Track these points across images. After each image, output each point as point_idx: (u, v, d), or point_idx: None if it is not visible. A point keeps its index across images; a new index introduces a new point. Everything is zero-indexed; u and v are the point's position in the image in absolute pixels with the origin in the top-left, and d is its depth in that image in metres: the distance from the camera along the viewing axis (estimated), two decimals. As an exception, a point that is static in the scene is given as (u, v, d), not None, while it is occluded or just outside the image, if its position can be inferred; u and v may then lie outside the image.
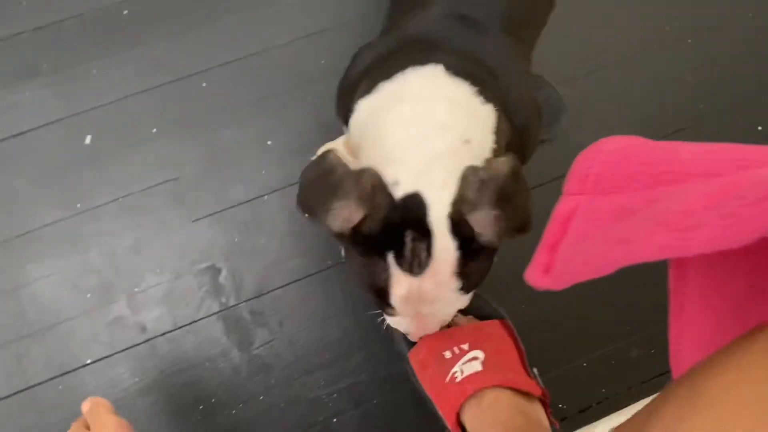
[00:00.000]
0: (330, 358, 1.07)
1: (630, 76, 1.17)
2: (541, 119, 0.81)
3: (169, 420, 1.04)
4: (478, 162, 0.62)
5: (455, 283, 0.62)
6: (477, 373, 0.75)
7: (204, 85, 1.10)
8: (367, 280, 0.64)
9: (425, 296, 0.63)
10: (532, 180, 1.11)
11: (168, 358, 1.05)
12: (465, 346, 0.78)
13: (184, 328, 1.05)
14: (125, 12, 1.12)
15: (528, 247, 1.07)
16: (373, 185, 0.60)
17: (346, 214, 0.59)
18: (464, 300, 0.67)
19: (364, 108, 0.71)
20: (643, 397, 1.12)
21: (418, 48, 0.71)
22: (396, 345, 0.90)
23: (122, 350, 1.04)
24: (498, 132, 0.68)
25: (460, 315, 0.87)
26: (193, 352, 1.05)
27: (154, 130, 1.08)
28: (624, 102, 1.17)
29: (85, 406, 0.86)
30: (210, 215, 1.08)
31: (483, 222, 0.58)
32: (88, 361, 1.04)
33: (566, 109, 1.12)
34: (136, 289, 1.05)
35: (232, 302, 1.07)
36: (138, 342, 1.05)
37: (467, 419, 0.75)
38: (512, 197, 0.59)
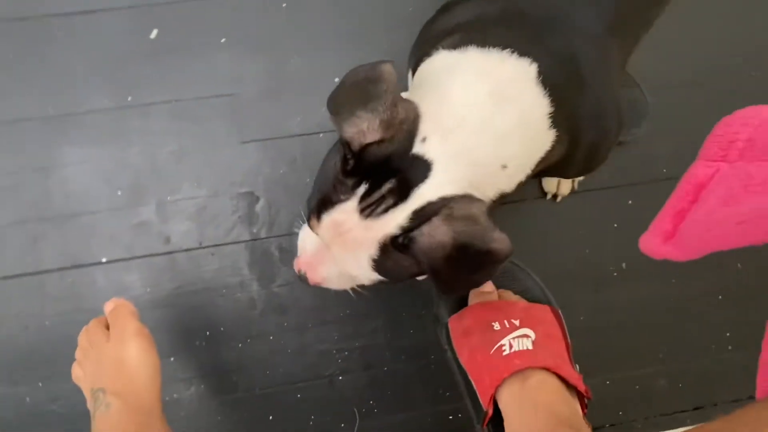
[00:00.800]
0: (349, 314, 1.03)
1: (730, 89, 1.10)
2: (620, 131, 0.76)
3: (172, 339, 1.00)
4: (502, 182, 0.63)
5: (373, 250, 0.62)
6: (527, 350, 0.70)
7: (284, 5, 1.05)
8: (324, 185, 0.63)
9: (347, 238, 0.62)
10: (590, 184, 1.07)
11: (185, 276, 1.00)
12: (516, 322, 0.73)
13: (208, 248, 1.00)
14: None
15: (556, 253, 1.02)
16: (403, 120, 0.59)
17: (364, 128, 0.58)
18: (365, 276, 0.66)
19: (444, 58, 0.67)
20: (658, 430, 1.07)
21: (526, 29, 0.66)
22: (436, 307, 0.85)
23: (141, 257, 1.00)
24: (545, 159, 0.67)
25: (510, 292, 0.82)
26: (212, 275, 1.01)
27: (223, 40, 1.03)
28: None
29: (108, 306, 0.82)
30: (260, 140, 1.03)
31: (433, 231, 0.58)
32: (104, 260, 0.99)
33: (649, 114, 1.06)
34: (169, 198, 1.01)
35: (263, 234, 1.02)
36: (159, 252, 1.00)
37: (505, 396, 0.70)
38: (470, 260, 0.58)
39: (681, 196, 0.47)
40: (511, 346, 0.70)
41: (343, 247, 0.64)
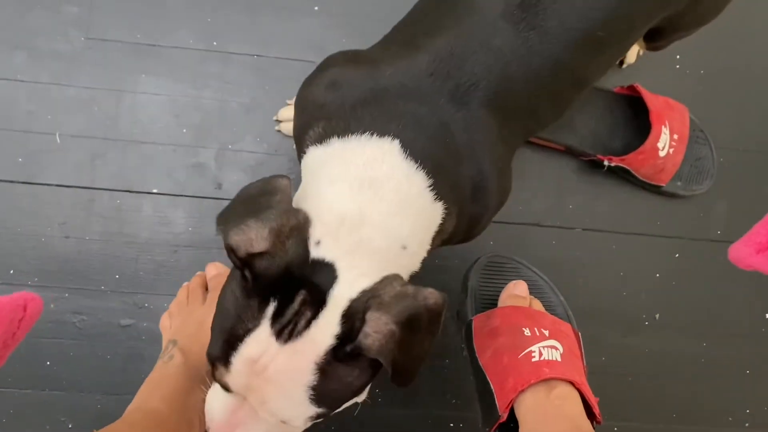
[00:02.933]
0: (375, 300, 1.03)
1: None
2: (500, 205, 0.73)
3: (201, 282, 1.01)
4: (407, 262, 0.60)
5: (309, 377, 0.54)
6: (556, 361, 0.70)
7: (382, -11, 1.07)
8: (225, 320, 0.56)
9: (269, 375, 0.54)
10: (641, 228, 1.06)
11: (227, 224, 1.02)
12: (546, 332, 0.73)
13: (256, 203, 1.02)
14: None
15: (591, 288, 1.00)
16: (294, 228, 0.55)
17: (252, 236, 0.53)
18: (303, 415, 0.57)
19: (313, 156, 0.65)
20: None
21: (386, 104, 0.63)
22: (460, 303, 0.85)
23: (190, 196, 1.02)
24: (440, 233, 0.65)
25: (539, 303, 0.82)
26: (254, 229, 1.02)
27: (317, 8, 1.05)
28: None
29: (211, 270, 0.85)
30: (329, 111, 1.04)
31: (377, 326, 0.52)
32: (155, 191, 1.01)
33: (714, 174, 1.05)
34: (230, 146, 1.02)
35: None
36: (209, 195, 1.02)
37: (527, 402, 0.70)
38: (418, 331, 0.53)
39: None
40: (540, 354, 0.70)
41: (265, 390, 0.55)
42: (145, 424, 0.61)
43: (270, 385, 0.54)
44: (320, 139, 0.64)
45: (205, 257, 1.00)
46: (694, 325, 1.07)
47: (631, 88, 1.02)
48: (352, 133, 0.61)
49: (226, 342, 0.55)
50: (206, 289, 0.84)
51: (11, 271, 0.99)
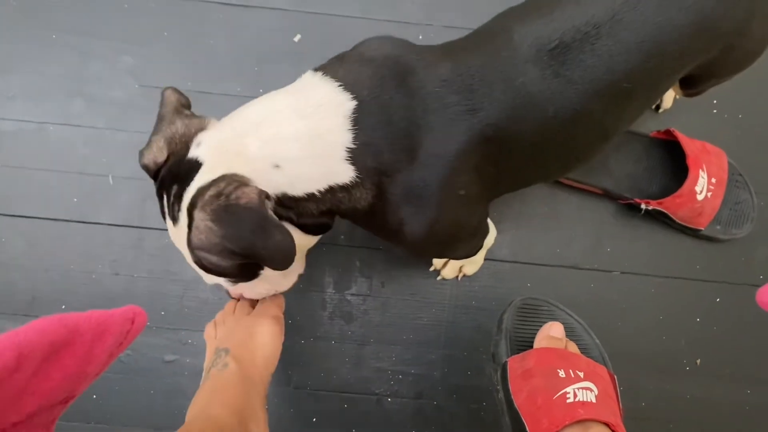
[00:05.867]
0: (411, 340, 1.04)
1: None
2: (432, 235, 0.73)
3: (242, 320, 1.04)
4: (277, 181, 0.64)
5: (188, 254, 0.65)
6: (591, 403, 0.69)
7: (420, 37, 1.10)
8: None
9: (179, 246, 0.67)
10: (681, 272, 1.06)
11: (268, 263, 1.04)
12: (581, 374, 0.73)
13: (296, 243, 1.05)
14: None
15: (630, 332, 0.98)
16: (184, 134, 0.66)
17: (154, 150, 0.66)
18: (209, 281, 0.71)
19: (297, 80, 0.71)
20: None
21: (382, 76, 0.67)
22: (494, 346, 0.86)
23: (233, 236, 1.05)
24: (337, 195, 0.67)
25: (575, 345, 0.82)
26: (294, 269, 1.04)
27: (358, 56, 1.09)
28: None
29: None
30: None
31: (198, 223, 0.60)
32: (200, 230, 1.05)
33: (755, 218, 1.04)
34: (272, 187, 1.06)
35: (347, 242, 1.05)
36: (251, 235, 1.05)
37: (561, 444, 0.69)
38: (241, 226, 0.59)
39: None
40: (575, 395, 0.70)
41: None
42: (208, 430, 0.64)
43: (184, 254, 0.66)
44: (314, 70, 0.69)
45: (247, 295, 1.03)
46: (737, 371, 1.05)
47: (668, 132, 1.02)
48: (328, 76, 0.66)
49: None
50: (252, 306, 0.86)
51: (63, 307, 1.03)
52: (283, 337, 0.83)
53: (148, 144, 0.67)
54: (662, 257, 1.07)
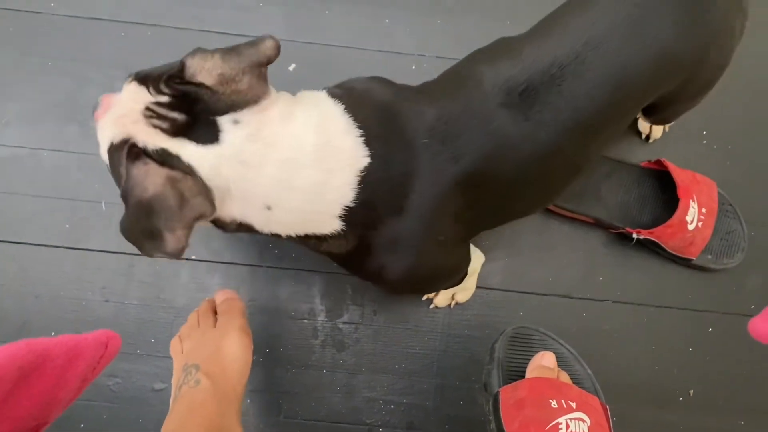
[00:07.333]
0: (404, 369, 1.03)
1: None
2: (409, 283, 0.77)
3: (232, 347, 1.03)
4: (255, 213, 0.65)
5: (119, 138, 0.63)
6: (583, 434, 0.69)
7: (413, 67, 1.12)
8: (156, 69, 0.66)
9: (116, 113, 0.65)
10: (674, 301, 1.06)
11: (262, 291, 1.04)
12: (573, 404, 0.72)
13: (289, 270, 1.04)
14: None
15: (623, 362, 0.98)
16: (242, 92, 0.62)
17: (206, 66, 0.62)
18: (102, 153, 0.68)
19: (327, 97, 0.71)
20: None
21: (388, 119, 0.69)
22: (486, 375, 0.85)
23: (226, 262, 1.05)
24: (318, 238, 0.68)
25: (567, 375, 0.82)
26: (287, 296, 1.04)
27: (351, 85, 1.10)
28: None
29: (220, 296, 0.87)
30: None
31: (149, 174, 0.59)
32: (193, 257, 1.05)
33: (745, 247, 1.04)
34: (265, 215, 1.06)
35: (339, 270, 1.05)
36: (244, 262, 1.05)
37: (552, 476, 0.69)
38: (147, 214, 0.59)
39: None
40: (567, 426, 0.69)
41: (111, 117, 0.64)
42: None
43: (114, 119, 0.65)
44: (332, 97, 0.70)
45: (238, 323, 1.03)
46: (731, 401, 1.05)
47: (658, 162, 1.03)
48: (351, 119, 0.66)
49: (145, 73, 0.66)
50: (215, 313, 0.85)
51: (52, 333, 1.02)
52: (251, 347, 0.81)
53: (209, 54, 0.62)
54: (654, 286, 1.07)
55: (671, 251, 1.03)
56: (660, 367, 1.05)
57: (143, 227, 0.59)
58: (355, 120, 0.66)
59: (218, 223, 0.68)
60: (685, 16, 0.69)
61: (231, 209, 0.65)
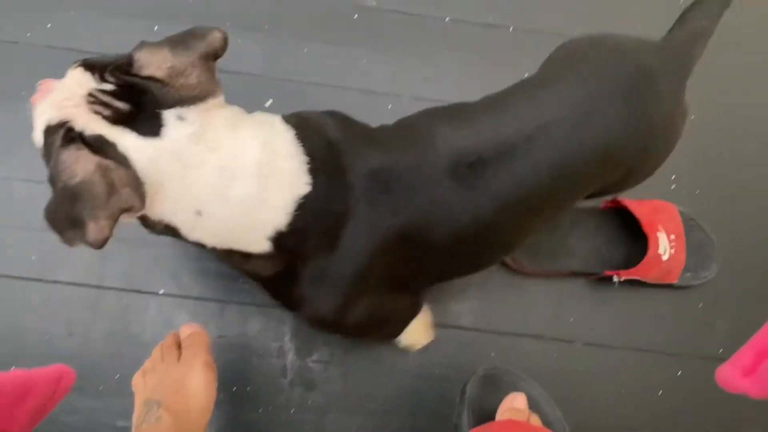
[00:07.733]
0: (373, 409, 1.02)
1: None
2: (333, 319, 0.76)
3: (199, 385, 1.00)
4: (182, 217, 0.64)
5: (56, 120, 0.62)
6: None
7: (389, 106, 1.13)
8: (104, 57, 0.66)
9: (57, 96, 0.64)
10: (643, 344, 1.06)
11: (230, 327, 1.03)
12: (539, 443, 0.72)
13: (260, 307, 1.03)
14: (355, 16, 1.18)
15: (593, 405, 0.98)
16: (191, 86, 0.62)
17: (154, 60, 0.61)
18: (36, 136, 0.67)
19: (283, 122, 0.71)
20: None
21: (335, 153, 0.70)
22: (456, 417, 0.84)
23: (194, 298, 1.03)
24: (242, 256, 0.68)
25: (538, 417, 0.81)
26: (256, 333, 1.03)
27: (328, 122, 1.11)
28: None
29: (185, 330, 0.86)
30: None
31: (80, 160, 0.58)
32: (161, 292, 1.03)
33: (717, 256, 1.06)
34: (237, 250, 1.05)
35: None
36: (213, 298, 1.03)
37: None
38: (67, 202, 0.57)
39: (765, 336, 0.47)
40: (537, 470, 0.69)
41: (51, 100, 0.63)
42: None
43: (52, 101, 0.64)
44: (287, 122, 0.70)
45: (206, 360, 1.01)
46: (702, 444, 1.05)
47: (615, 201, 1.05)
48: (300, 144, 0.67)
49: (93, 60, 0.65)
50: (179, 347, 0.83)
51: (13, 367, 0.99)
52: (216, 383, 0.80)
53: (157, 48, 0.61)
54: (625, 328, 1.07)
55: (652, 281, 1.04)
56: (630, 410, 1.05)
57: (67, 214, 0.58)
58: (303, 147, 0.67)
59: (145, 222, 0.67)
60: (631, 112, 0.71)
61: (161, 208, 0.64)
